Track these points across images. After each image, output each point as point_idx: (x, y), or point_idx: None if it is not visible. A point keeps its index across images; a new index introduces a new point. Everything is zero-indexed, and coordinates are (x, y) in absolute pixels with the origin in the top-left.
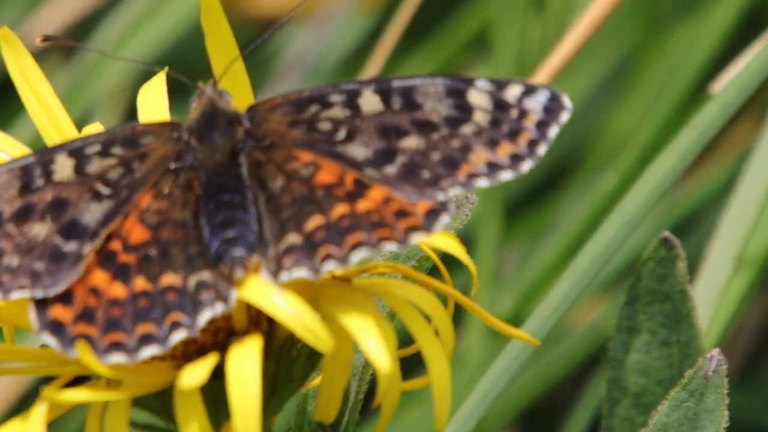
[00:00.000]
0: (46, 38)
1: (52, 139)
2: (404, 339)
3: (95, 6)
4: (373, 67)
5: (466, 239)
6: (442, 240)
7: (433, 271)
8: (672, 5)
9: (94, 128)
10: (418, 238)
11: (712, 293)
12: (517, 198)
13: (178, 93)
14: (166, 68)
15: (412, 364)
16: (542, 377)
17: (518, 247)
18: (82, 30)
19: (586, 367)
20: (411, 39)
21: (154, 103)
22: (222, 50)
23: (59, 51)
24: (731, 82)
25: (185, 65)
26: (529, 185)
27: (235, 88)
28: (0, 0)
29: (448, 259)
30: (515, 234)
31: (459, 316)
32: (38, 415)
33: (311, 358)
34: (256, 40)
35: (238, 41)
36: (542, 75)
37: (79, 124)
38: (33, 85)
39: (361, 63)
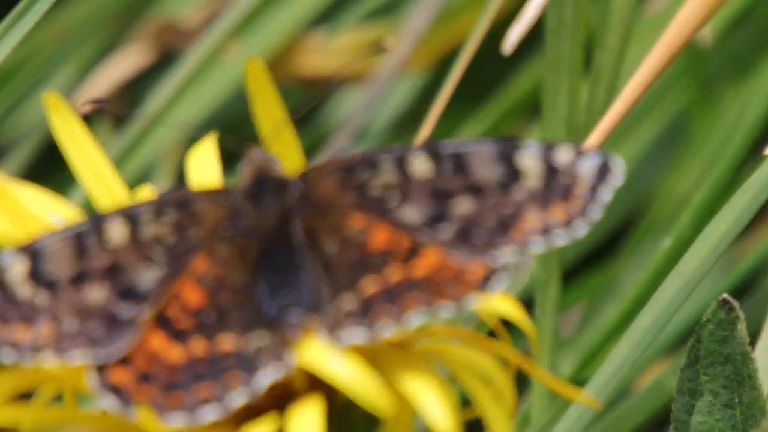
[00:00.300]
0: (95, 103)
1: (104, 204)
2: (465, 403)
3: (144, 69)
4: (424, 129)
5: (526, 303)
6: (500, 303)
7: (494, 336)
8: (721, 66)
9: (146, 190)
10: (474, 302)
11: None
12: (575, 261)
13: (225, 157)
14: (215, 132)
15: (475, 429)
16: None
17: (578, 309)
18: (131, 94)
19: (649, 429)
20: (462, 100)
21: (203, 167)
22: (269, 114)
23: (109, 117)
24: None
25: (234, 129)
26: (588, 248)
27: (285, 152)
28: (50, 66)
29: (509, 323)
30: (574, 297)
31: (521, 379)
32: None
33: (372, 421)
34: (305, 103)
35: (286, 103)
36: (594, 137)
37: (131, 189)
38: (82, 149)
39: (411, 125)
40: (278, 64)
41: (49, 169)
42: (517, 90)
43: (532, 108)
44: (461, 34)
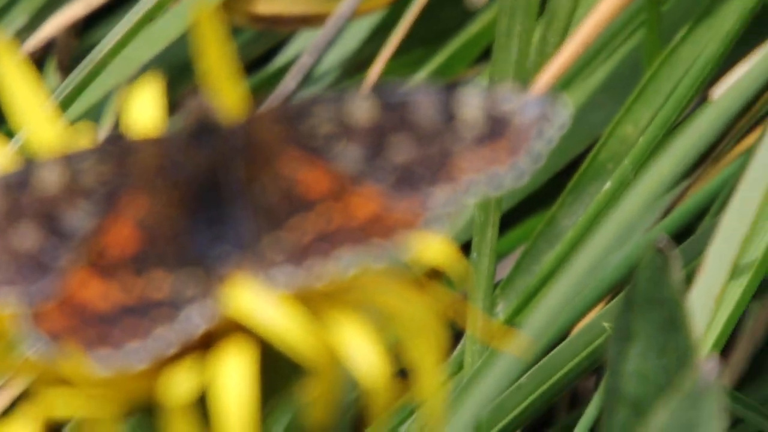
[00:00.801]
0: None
1: (42, 146)
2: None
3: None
4: (373, 72)
5: (464, 246)
6: (436, 247)
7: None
8: (676, 8)
9: (86, 127)
10: (410, 246)
11: (709, 299)
12: (517, 203)
13: (170, 102)
14: (158, 74)
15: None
16: (542, 383)
17: (517, 253)
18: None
19: (584, 373)
20: (415, 44)
21: (144, 109)
22: (215, 57)
23: (58, 59)
24: (731, 87)
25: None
26: (531, 191)
27: (231, 97)
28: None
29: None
30: (514, 240)
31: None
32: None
33: (302, 367)
34: (255, 45)
35: (240, 43)
36: (543, 80)
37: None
38: (20, 86)
39: (363, 68)
40: (233, 5)
41: None
42: (472, 34)
43: (486, 52)
44: None
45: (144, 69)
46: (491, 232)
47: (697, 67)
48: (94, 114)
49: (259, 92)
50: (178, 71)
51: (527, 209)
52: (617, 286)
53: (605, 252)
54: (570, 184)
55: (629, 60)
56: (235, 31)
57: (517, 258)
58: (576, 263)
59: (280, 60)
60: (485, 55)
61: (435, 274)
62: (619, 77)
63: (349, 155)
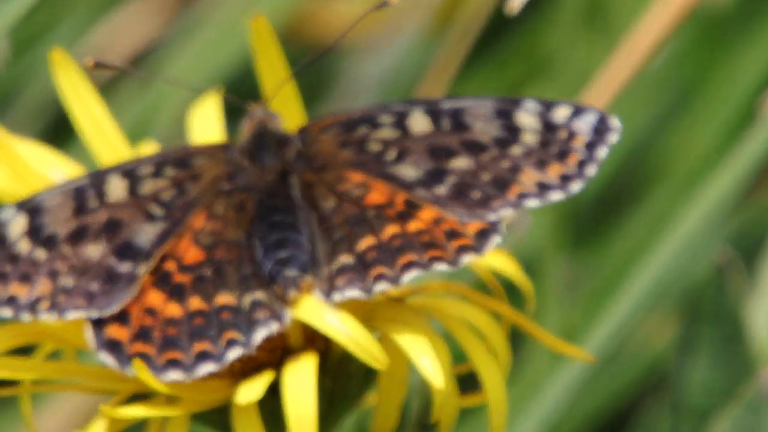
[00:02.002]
0: (97, 64)
1: (105, 161)
2: (461, 359)
3: (157, 28)
4: (433, 90)
5: (531, 258)
6: (497, 259)
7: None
8: (731, 27)
9: (148, 145)
10: (469, 259)
11: None
12: (583, 218)
13: (234, 116)
14: (219, 90)
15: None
16: (604, 394)
17: (584, 266)
18: (140, 58)
19: (645, 385)
20: (475, 61)
21: (206, 124)
22: (273, 72)
23: (117, 74)
24: None
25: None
26: (595, 206)
27: (288, 111)
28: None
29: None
30: (582, 254)
31: (518, 334)
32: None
33: (367, 375)
34: (310, 61)
35: (295, 63)
36: (597, 95)
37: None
38: (85, 105)
39: (424, 86)
40: (299, 26)
41: (55, 126)
42: (530, 50)
43: (538, 68)
44: None
45: (206, 84)
46: (555, 245)
47: (753, 82)
48: (157, 131)
49: (318, 106)
50: (239, 85)
51: (589, 223)
52: (680, 299)
53: (668, 265)
54: (633, 198)
55: (687, 76)
56: (298, 48)
57: (580, 270)
58: (639, 276)
59: (334, 76)
60: (538, 69)
61: (494, 291)
62: (679, 92)
63: (408, 165)
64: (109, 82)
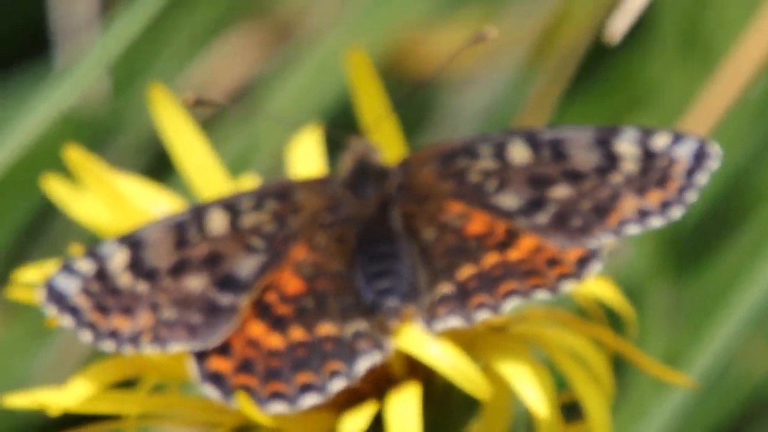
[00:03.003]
0: (198, 101)
1: (206, 195)
2: (563, 386)
3: (257, 62)
4: (535, 122)
5: (633, 285)
6: (597, 286)
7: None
8: None
9: (249, 179)
10: (569, 286)
11: None
12: (688, 243)
13: (334, 150)
14: (318, 124)
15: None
16: (707, 421)
17: (686, 292)
18: (239, 92)
19: (752, 411)
20: (574, 92)
21: (305, 157)
22: (372, 105)
23: (229, 116)
24: None
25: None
26: (700, 231)
27: (388, 143)
28: (156, 57)
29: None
30: (687, 280)
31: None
32: None
33: (471, 405)
34: (409, 94)
35: (394, 97)
36: (700, 125)
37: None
38: (185, 140)
39: (524, 117)
40: (399, 62)
41: (156, 162)
42: (629, 81)
43: (637, 98)
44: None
45: (306, 119)
46: (656, 271)
47: None
48: (257, 166)
49: (418, 139)
50: (339, 119)
51: (691, 250)
52: None
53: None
54: (734, 224)
55: None
56: (397, 81)
57: (682, 296)
58: (741, 301)
59: (435, 110)
60: (637, 98)
61: (596, 318)
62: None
63: (508, 195)
64: (210, 118)
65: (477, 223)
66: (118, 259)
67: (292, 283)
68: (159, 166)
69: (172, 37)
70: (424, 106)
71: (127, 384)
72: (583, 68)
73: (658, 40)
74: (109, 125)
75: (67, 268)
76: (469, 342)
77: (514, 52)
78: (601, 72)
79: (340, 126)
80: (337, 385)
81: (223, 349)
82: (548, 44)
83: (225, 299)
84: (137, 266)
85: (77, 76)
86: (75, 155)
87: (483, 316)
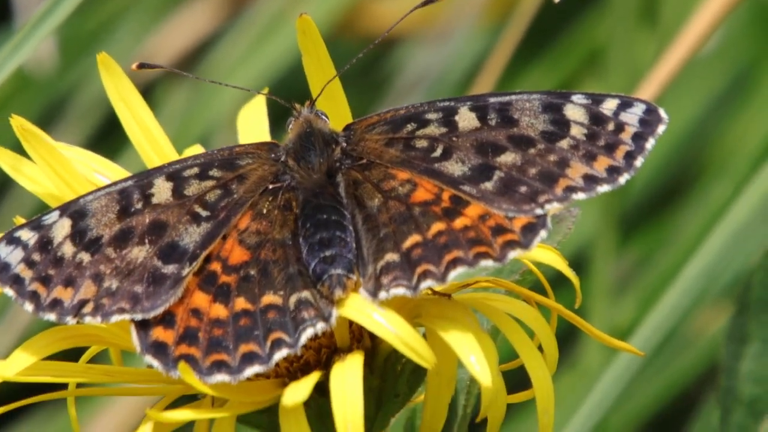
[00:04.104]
0: (141, 65)
1: (153, 163)
2: (511, 354)
3: (207, 29)
4: (485, 85)
5: (581, 253)
6: (543, 254)
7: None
8: None
9: (194, 151)
10: (515, 254)
11: None
12: (633, 211)
13: (282, 117)
14: (266, 91)
15: (521, 379)
16: (655, 388)
17: (635, 260)
18: (192, 58)
19: (701, 377)
20: (526, 54)
21: (253, 125)
22: (319, 70)
23: (173, 80)
24: None
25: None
26: (646, 198)
27: (335, 109)
28: (113, 28)
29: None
30: (632, 247)
31: (569, 328)
32: None
33: (415, 373)
34: (357, 57)
35: (348, 56)
36: (650, 89)
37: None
38: (132, 109)
39: (477, 80)
40: (351, 21)
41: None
42: (581, 44)
43: (591, 61)
44: None
45: (254, 85)
46: (609, 239)
47: None
48: (205, 135)
49: (371, 103)
50: (285, 85)
51: (645, 217)
52: (732, 290)
53: (720, 256)
54: (685, 188)
55: (741, 68)
56: (346, 45)
57: (631, 262)
58: (691, 267)
59: (387, 71)
60: (591, 63)
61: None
62: (732, 85)
63: (454, 162)
64: (157, 83)
65: (423, 191)
66: (60, 228)
67: (236, 253)
68: (110, 129)
69: (132, 4)
70: (376, 68)
71: (69, 355)
72: (538, 31)
73: (613, 4)
74: (61, 89)
75: (9, 238)
76: (413, 310)
77: (467, 13)
78: (556, 36)
79: (290, 92)
80: (280, 355)
81: (166, 319)
82: (501, 5)
83: (168, 269)
84: (79, 235)
85: (26, 39)
86: (20, 124)
87: (428, 284)
